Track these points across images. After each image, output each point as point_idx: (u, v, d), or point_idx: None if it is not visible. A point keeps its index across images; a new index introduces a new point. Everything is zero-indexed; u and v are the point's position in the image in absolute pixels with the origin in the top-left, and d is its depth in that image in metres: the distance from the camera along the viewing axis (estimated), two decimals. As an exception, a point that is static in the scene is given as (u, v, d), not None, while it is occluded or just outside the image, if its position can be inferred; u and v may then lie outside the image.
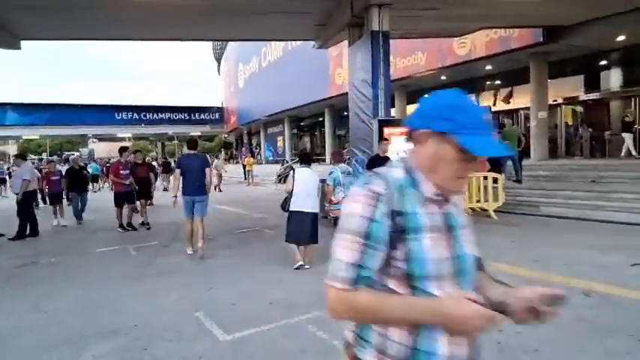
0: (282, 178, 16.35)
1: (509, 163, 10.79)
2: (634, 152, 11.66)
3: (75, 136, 49.38)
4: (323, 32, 11.31)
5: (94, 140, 60.31)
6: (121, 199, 8.91)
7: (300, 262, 5.26)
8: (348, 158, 10.42)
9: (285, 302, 4.21)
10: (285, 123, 31.82)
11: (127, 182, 8.86)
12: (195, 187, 6.24)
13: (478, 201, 8.67)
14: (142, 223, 9.25)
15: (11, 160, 28.16)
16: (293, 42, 26.63)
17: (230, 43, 40.47)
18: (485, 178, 8.58)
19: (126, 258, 6.62)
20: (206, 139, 60.90)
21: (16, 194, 8.40)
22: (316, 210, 5.37)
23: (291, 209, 5.30)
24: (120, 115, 44.34)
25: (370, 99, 8.15)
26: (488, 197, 8.52)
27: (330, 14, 10.03)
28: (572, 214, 8.34)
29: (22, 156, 9.67)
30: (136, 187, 9.11)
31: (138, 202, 9.34)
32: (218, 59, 50.32)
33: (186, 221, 6.42)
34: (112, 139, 61.96)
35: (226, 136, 51.83)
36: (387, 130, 7.29)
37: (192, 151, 6.61)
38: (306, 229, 5.25)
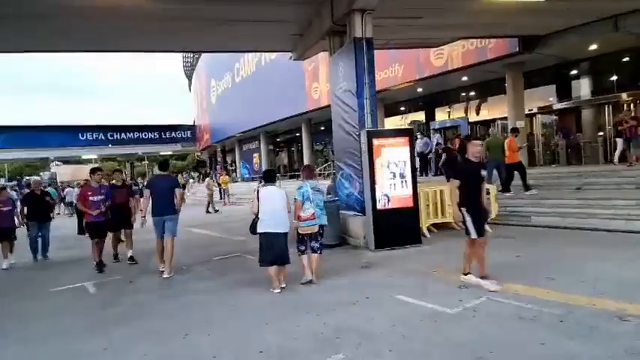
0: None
1: (495, 173, 10.52)
2: (616, 159, 11.65)
3: (36, 159, 46.86)
4: (300, 42, 10.85)
5: (58, 163, 57.61)
6: (94, 232, 7.31)
7: (277, 290, 5.10)
8: (333, 173, 9.89)
9: (279, 350, 3.52)
10: (261, 139, 31.12)
11: (95, 213, 7.20)
12: (166, 207, 6.42)
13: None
14: (130, 258, 7.69)
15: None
16: (267, 56, 26.23)
17: (201, 58, 39.74)
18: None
19: (83, 298, 5.71)
20: (178, 157, 59.28)
21: None
22: (286, 229, 5.18)
23: (259, 231, 5.12)
24: (84, 135, 42.42)
25: (355, 109, 7.65)
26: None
27: (309, 23, 9.58)
28: (566, 223, 8.05)
29: None
30: (109, 217, 7.49)
31: (121, 232, 7.92)
32: (189, 76, 49.33)
33: (158, 241, 6.53)
34: (78, 161, 59.52)
35: (199, 154, 50.51)
36: (376, 142, 6.79)
37: (163, 172, 6.97)
38: (277, 251, 5.10)
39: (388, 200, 6.80)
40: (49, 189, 18.84)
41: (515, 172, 10.13)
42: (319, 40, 9.66)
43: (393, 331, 3.67)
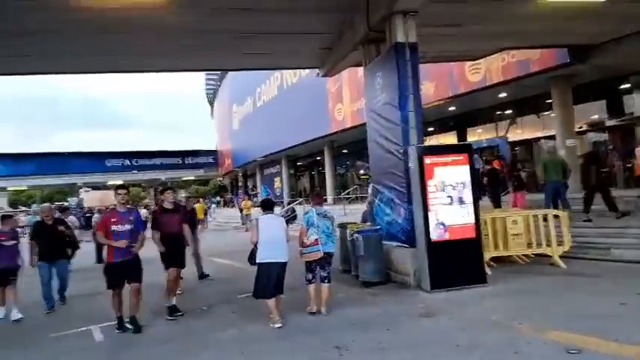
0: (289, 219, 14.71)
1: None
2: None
3: (64, 185, 47.52)
4: (329, 57, 10.01)
5: (87, 189, 58.49)
6: (114, 277, 5.18)
7: (278, 325, 4.81)
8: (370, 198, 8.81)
9: None
10: (283, 163, 30.42)
11: (123, 245, 5.11)
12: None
13: (530, 244, 6.95)
14: (172, 310, 5.66)
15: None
16: (289, 79, 25.78)
17: (223, 83, 39.91)
18: (545, 218, 6.92)
19: (85, 350, 4.70)
20: (200, 183, 59.40)
21: None
22: (285, 259, 5.00)
23: (258, 261, 4.97)
24: (110, 162, 42.93)
25: (398, 123, 6.62)
26: (550, 240, 6.80)
27: (339, 34, 8.74)
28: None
29: None
30: (162, 249, 5.74)
31: (170, 271, 5.78)
32: (211, 102, 49.76)
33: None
34: (105, 187, 60.30)
35: (221, 179, 50.31)
36: (428, 160, 5.70)
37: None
38: (275, 281, 4.92)
39: (445, 230, 5.64)
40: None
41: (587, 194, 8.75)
42: (351, 51, 8.79)
43: None
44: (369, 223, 7.38)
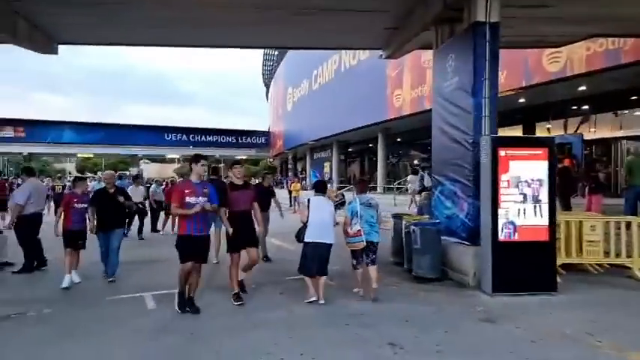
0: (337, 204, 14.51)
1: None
2: None
3: (126, 155, 50.52)
4: (395, 37, 9.50)
5: (147, 161, 61.83)
6: (187, 251, 4.76)
7: (313, 298, 5.04)
8: (426, 189, 8.38)
9: None
10: (334, 148, 30.18)
11: (200, 210, 4.67)
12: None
13: (607, 253, 6.22)
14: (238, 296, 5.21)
15: (68, 178, 28.33)
16: (347, 62, 25.29)
17: (280, 65, 40.09)
18: (628, 226, 6.17)
19: (137, 317, 4.78)
20: (251, 162, 60.84)
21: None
22: (331, 240, 5.14)
23: (305, 240, 5.14)
24: (169, 136, 44.90)
25: (469, 111, 6.11)
26: (632, 250, 6.07)
27: (408, 12, 8.21)
28: None
29: (28, 170, 7.58)
30: (230, 229, 5.12)
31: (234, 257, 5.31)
32: (267, 84, 50.35)
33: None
34: (162, 160, 63.42)
35: (271, 160, 51.12)
36: (503, 152, 5.18)
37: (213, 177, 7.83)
38: (319, 261, 5.08)
39: (514, 230, 5.15)
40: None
41: None
42: (420, 31, 8.24)
43: None
44: (426, 216, 6.96)
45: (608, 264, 6.43)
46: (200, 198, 4.68)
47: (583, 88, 13.96)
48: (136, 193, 10.50)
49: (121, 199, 6.54)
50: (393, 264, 7.11)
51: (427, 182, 16.31)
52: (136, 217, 10.82)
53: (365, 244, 5.16)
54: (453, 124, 6.59)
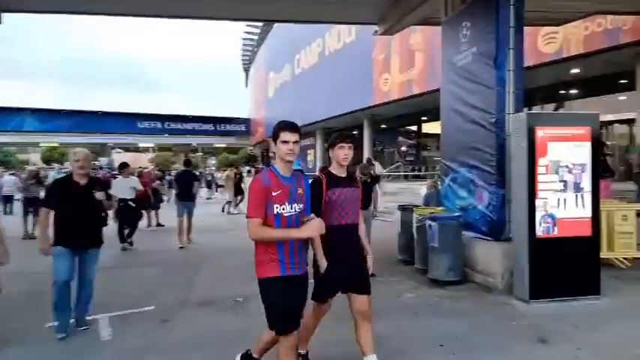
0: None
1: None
2: None
3: (95, 144, 48.12)
4: (394, 10, 8.55)
5: (119, 150, 59.26)
6: (289, 309, 2.53)
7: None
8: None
9: None
10: (317, 135, 29.21)
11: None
12: (188, 195, 8.45)
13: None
14: None
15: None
16: (332, 46, 24.18)
17: (261, 50, 38.59)
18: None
19: (86, 353, 3.58)
20: (231, 151, 59.14)
21: None
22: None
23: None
24: (142, 124, 42.82)
25: (491, 86, 5.26)
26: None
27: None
28: None
29: None
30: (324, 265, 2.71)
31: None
32: (246, 70, 48.64)
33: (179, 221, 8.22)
34: (136, 149, 60.95)
35: (252, 148, 49.70)
36: (541, 132, 4.36)
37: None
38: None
39: (554, 224, 4.36)
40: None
41: None
42: (424, 1, 7.36)
43: None
44: (439, 208, 6.13)
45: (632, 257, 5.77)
46: (295, 205, 2.50)
47: (576, 70, 13.43)
48: (124, 187, 8.04)
49: (99, 196, 3.91)
50: (401, 262, 6.29)
51: (378, 170, 16.18)
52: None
53: None
54: (470, 103, 5.74)
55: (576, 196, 4.40)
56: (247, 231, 2.38)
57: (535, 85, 15.35)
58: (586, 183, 4.42)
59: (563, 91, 15.80)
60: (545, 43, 12.43)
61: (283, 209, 2.43)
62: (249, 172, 38.81)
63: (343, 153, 2.84)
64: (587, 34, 11.41)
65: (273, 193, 2.40)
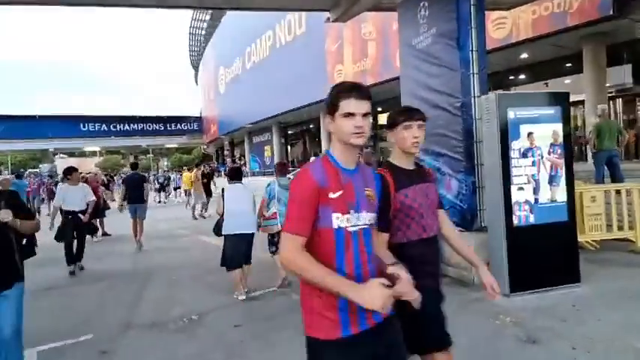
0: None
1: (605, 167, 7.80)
2: None
3: (35, 150, 44.61)
4: (347, -7, 8.11)
5: (63, 156, 55.37)
6: None
7: (242, 296, 4.79)
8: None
9: None
10: (274, 130, 28.50)
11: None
12: (137, 197, 8.59)
13: (610, 227, 5.54)
14: None
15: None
16: (283, 38, 23.51)
17: (209, 45, 37.14)
18: (620, 193, 5.47)
19: None
20: (184, 151, 56.97)
21: None
22: (251, 230, 4.95)
23: (224, 233, 4.88)
24: (86, 126, 40.21)
25: (455, 68, 4.96)
26: (634, 222, 5.39)
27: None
28: None
29: None
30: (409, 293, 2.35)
31: None
32: (195, 66, 46.80)
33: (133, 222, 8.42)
34: (81, 153, 57.26)
35: (205, 147, 48.05)
36: (512, 113, 4.04)
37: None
38: (242, 252, 4.90)
39: (530, 211, 4.10)
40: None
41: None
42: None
43: None
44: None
45: (610, 238, 5.71)
46: (365, 215, 1.60)
47: (525, 55, 13.71)
48: (73, 196, 6.67)
49: (3, 216, 2.78)
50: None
51: None
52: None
53: (280, 227, 4.86)
54: (433, 87, 5.42)
55: (551, 179, 4.16)
56: (280, 253, 1.52)
57: (493, 70, 15.66)
58: (560, 165, 4.19)
59: (512, 77, 16.14)
60: (496, 28, 12.52)
61: (347, 221, 1.53)
62: (208, 174, 37.47)
63: (412, 135, 1.96)
64: (535, 18, 11.58)
65: (332, 195, 1.51)
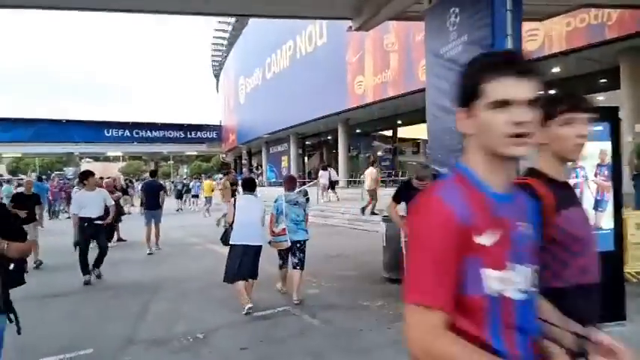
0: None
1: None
2: None
3: (61, 154, 45.70)
4: (369, 3, 7.87)
5: (89, 160, 56.69)
6: None
7: (248, 306, 4.62)
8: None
9: None
10: (291, 141, 28.36)
11: None
12: (154, 204, 8.99)
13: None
14: None
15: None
16: (304, 49, 23.47)
17: (230, 55, 37.58)
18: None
19: None
20: (203, 159, 57.54)
21: None
22: (258, 242, 4.80)
23: (231, 242, 4.80)
24: (110, 132, 40.90)
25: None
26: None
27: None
28: None
29: None
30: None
31: None
32: (217, 75, 47.42)
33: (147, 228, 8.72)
34: (105, 158, 58.52)
35: (224, 156, 48.37)
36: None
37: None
38: (247, 265, 4.72)
39: (572, 238, 3.68)
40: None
41: None
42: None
43: None
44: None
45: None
46: (529, 268, 1.02)
47: (557, 69, 13.17)
48: (91, 202, 6.40)
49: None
50: (387, 281, 5.53)
51: (333, 177, 17.75)
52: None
53: (290, 243, 5.01)
54: (461, 98, 5.05)
55: (597, 203, 3.73)
56: (407, 333, 0.97)
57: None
58: (607, 189, 3.75)
59: (542, 92, 15.55)
60: (526, 40, 12.05)
61: (506, 282, 0.96)
62: (220, 179, 37.62)
63: (576, 133, 1.43)
64: (569, 30, 11.09)
65: (481, 240, 0.95)
